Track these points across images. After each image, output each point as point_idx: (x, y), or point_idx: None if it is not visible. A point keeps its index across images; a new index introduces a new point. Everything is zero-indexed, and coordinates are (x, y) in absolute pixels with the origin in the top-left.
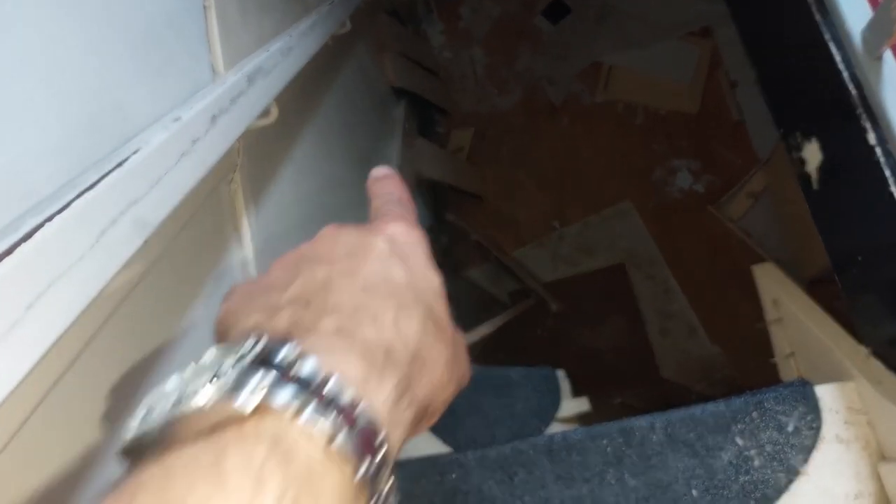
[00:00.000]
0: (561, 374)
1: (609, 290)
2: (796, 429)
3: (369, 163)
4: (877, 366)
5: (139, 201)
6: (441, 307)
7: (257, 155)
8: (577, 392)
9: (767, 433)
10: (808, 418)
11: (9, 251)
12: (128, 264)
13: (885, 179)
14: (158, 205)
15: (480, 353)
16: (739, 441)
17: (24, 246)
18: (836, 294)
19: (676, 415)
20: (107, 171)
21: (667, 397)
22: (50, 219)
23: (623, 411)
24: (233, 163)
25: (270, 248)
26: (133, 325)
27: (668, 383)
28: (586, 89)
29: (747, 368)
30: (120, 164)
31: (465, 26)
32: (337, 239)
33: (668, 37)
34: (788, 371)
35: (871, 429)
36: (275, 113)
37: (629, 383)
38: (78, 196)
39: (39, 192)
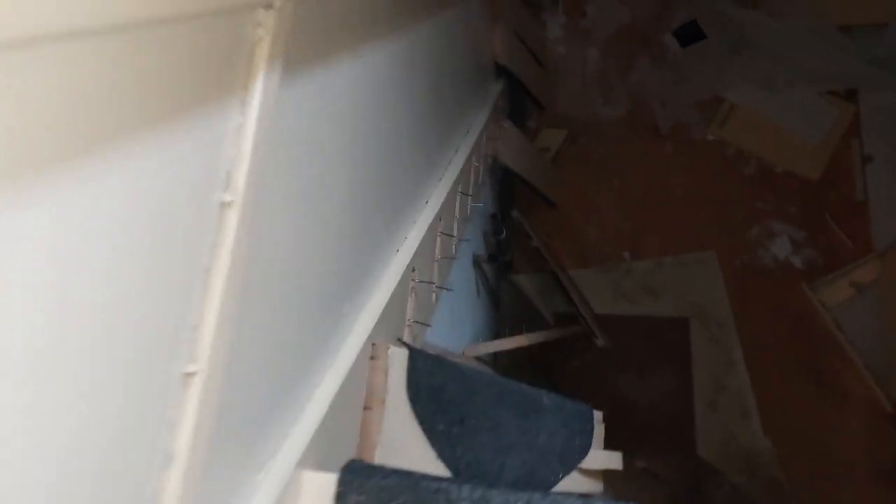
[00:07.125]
0: (598, 416)
1: (665, 341)
2: None
3: (447, 121)
4: None
5: None
6: None
7: (312, 17)
8: (608, 443)
9: None
10: None
11: None
12: None
13: None
14: None
15: (507, 367)
16: None
17: None
18: None
19: None
20: None
21: (697, 478)
22: None
23: (645, 479)
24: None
25: (281, 141)
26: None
27: (702, 463)
28: (700, 122)
29: (798, 475)
30: None
31: (586, 25)
32: None
33: (806, 88)
34: None
35: None
36: None
37: (659, 449)
38: None
39: None
